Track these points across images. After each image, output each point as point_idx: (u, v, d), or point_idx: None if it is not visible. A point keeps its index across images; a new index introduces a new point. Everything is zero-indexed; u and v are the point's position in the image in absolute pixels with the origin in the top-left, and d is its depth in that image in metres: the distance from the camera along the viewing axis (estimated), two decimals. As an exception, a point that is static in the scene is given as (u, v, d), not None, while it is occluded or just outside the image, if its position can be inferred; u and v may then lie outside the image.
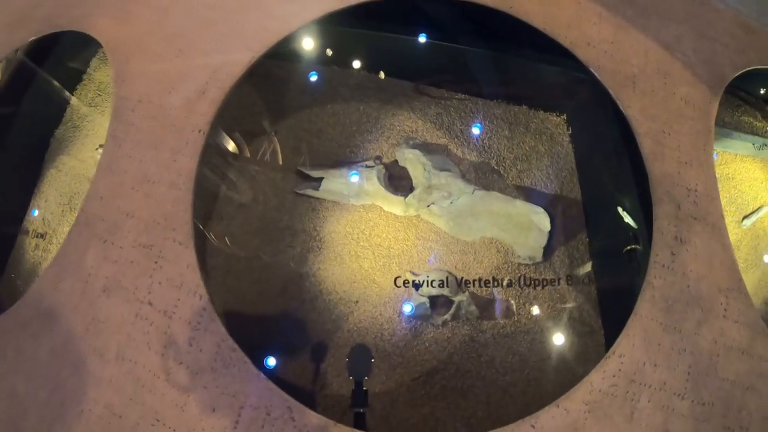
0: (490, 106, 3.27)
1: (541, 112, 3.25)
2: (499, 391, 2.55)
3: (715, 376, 1.89)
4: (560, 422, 1.79)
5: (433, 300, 2.71)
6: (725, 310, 1.97)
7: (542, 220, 2.83)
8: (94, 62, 3.53)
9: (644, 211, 2.23)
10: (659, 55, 2.44)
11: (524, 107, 3.26)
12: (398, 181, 3.02)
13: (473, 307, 2.68)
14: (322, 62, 3.28)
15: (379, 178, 2.93)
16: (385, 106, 3.24)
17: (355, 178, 2.94)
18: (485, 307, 2.73)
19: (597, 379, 1.86)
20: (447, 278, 2.71)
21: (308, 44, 2.91)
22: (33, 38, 2.77)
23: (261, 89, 3.26)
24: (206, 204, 2.93)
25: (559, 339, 2.65)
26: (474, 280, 2.78)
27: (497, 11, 2.48)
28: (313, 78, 3.32)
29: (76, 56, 3.49)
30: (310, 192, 2.98)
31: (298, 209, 2.97)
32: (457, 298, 2.67)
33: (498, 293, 2.77)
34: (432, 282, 2.70)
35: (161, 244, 2.09)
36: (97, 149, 3.20)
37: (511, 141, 3.16)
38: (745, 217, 2.99)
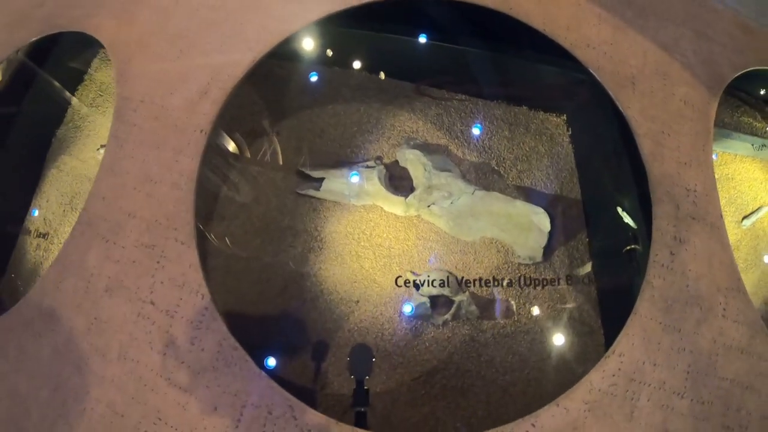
0: (491, 107, 3.28)
1: (541, 112, 3.27)
2: (500, 390, 2.56)
3: (714, 376, 1.90)
4: (560, 421, 1.80)
5: (434, 300, 2.71)
6: (724, 309, 1.98)
7: (542, 221, 2.83)
8: (95, 63, 3.54)
9: (644, 211, 2.23)
10: (658, 56, 2.45)
11: (524, 108, 3.27)
12: (399, 182, 3.03)
13: (473, 307, 2.69)
14: (323, 63, 3.29)
15: (379, 179, 2.93)
16: (386, 107, 3.25)
17: (355, 179, 2.95)
18: (485, 306, 2.74)
19: (597, 378, 1.87)
20: (447, 278, 2.72)
21: (309, 45, 2.91)
22: (34, 39, 2.77)
23: (262, 89, 3.27)
24: (208, 204, 2.94)
25: (559, 339, 2.66)
26: (474, 280, 2.78)
27: (497, 12, 2.49)
28: (315, 78, 3.33)
29: (77, 57, 3.49)
30: (311, 192, 2.99)
31: (299, 209, 2.98)
32: (457, 298, 2.68)
33: (498, 293, 2.78)
34: (432, 282, 2.71)
35: (163, 244, 2.09)
36: (98, 149, 3.21)
37: (512, 141, 3.17)
38: (744, 218, 3.00)
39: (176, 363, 1.92)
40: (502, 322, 2.71)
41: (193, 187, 2.17)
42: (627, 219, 2.57)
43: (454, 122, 3.22)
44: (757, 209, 3.01)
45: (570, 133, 3.19)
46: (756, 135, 3.20)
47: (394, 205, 2.93)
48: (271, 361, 2.40)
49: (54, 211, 3.13)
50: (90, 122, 3.36)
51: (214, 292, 2.02)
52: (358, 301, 2.74)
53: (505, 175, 3.08)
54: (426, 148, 3.06)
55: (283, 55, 2.92)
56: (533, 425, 1.80)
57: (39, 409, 1.98)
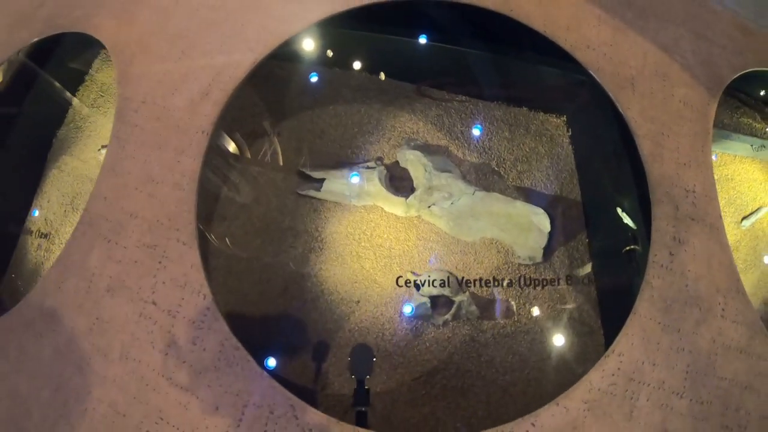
0: (491, 108, 3.29)
1: (541, 113, 3.27)
2: (500, 390, 2.56)
3: (713, 375, 1.90)
4: (560, 420, 1.81)
5: (434, 300, 2.72)
6: (723, 309, 1.99)
7: (542, 221, 2.84)
8: (96, 63, 3.55)
9: (643, 212, 2.24)
10: (658, 57, 2.46)
11: (524, 109, 3.28)
12: (399, 182, 3.03)
13: (474, 307, 2.69)
14: (324, 64, 3.30)
15: (380, 179, 2.94)
16: (387, 108, 3.26)
17: (356, 179, 2.95)
18: (486, 307, 2.75)
19: (596, 377, 1.88)
20: (448, 278, 2.72)
21: (310, 46, 2.92)
22: (35, 39, 2.78)
23: (263, 90, 3.28)
24: (209, 205, 2.95)
25: (558, 339, 2.66)
26: (474, 281, 2.79)
27: (498, 14, 2.50)
28: (315, 79, 3.34)
29: (78, 57, 3.50)
30: (311, 193, 3.00)
31: (299, 210, 2.99)
32: (457, 298, 2.69)
33: (498, 293, 2.78)
34: (433, 282, 2.71)
35: (165, 244, 2.10)
36: (99, 150, 3.22)
37: (512, 142, 3.17)
38: (744, 218, 3.00)
39: (178, 363, 1.93)
40: (502, 322, 2.72)
41: (195, 188, 2.18)
42: (626, 219, 2.58)
43: (454, 123, 3.23)
44: (756, 210, 3.02)
45: (570, 134, 3.20)
46: (755, 136, 3.20)
47: (395, 206, 2.94)
48: (273, 361, 2.40)
49: (55, 212, 3.14)
50: (91, 123, 3.37)
51: (216, 293, 2.03)
52: (358, 302, 2.74)
53: (506, 176, 3.09)
54: (426, 149, 3.07)
55: (283, 55, 2.92)
56: (533, 424, 1.80)
57: (40, 410, 1.98)
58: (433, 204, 2.89)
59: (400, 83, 3.34)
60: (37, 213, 3.16)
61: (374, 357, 2.53)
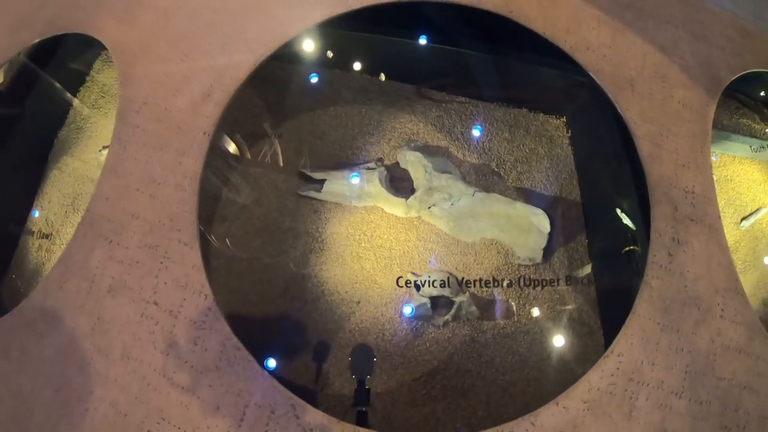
0: (491, 109, 3.30)
1: (541, 114, 3.29)
2: (500, 390, 2.57)
3: (712, 375, 1.91)
4: (559, 420, 1.82)
5: (434, 300, 2.73)
6: (722, 310, 2.00)
7: (542, 222, 2.85)
8: (97, 64, 3.56)
9: (643, 213, 2.24)
10: (657, 59, 2.47)
11: (524, 110, 3.30)
12: (399, 183, 3.04)
13: (474, 308, 2.70)
14: (324, 65, 3.31)
15: (380, 180, 2.95)
16: (387, 109, 3.27)
17: (356, 180, 2.96)
18: (486, 307, 2.75)
19: (596, 377, 1.88)
20: (448, 279, 2.73)
21: (311, 47, 2.93)
22: (36, 40, 2.78)
23: (264, 91, 3.29)
24: (209, 205, 2.95)
25: (558, 339, 2.67)
26: (474, 281, 2.80)
27: (498, 15, 2.51)
28: (316, 81, 3.35)
29: (78, 58, 3.51)
30: (312, 194, 3.01)
31: (300, 211, 2.99)
32: (457, 299, 2.70)
33: (498, 294, 2.79)
34: (433, 283, 2.72)
35: (166, 245, 2.11)
36: (100, 151, 3.23)
37: (512, 143, 3.18)
38: (743, 219, 3.01)
39: (179, 363, 1.93)
40: (502, 322, 2.73)
41: (197, 189, 2.19)
42: (626, 220, 2.59)
43: (454, 124, 3.24)
44: (755, 211, 3.03)
45: (570, 135, 3.21)
46: (754, 137, 3.21)
47: (395, 207, 2.95)
48: (273, 362, 2.41)
49: (56, 212, 3.14)
50: (92, 124, 3.38)
51: (217, 293, 2.04)
52: (359, 302, 2.75)
53: (505, 177, 3.10)
54: (426, 150, 3.08)
55: (284, 57, 2.94)
56: (533, 424, 1.81)
57: (42, 409, 1.98)
58: (434, 205, 2.89)
59: (400, 85, 3.36)
60: (37, 214, 3.17)
61: (375, 357, 2.54)
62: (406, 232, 2.94)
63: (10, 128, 3.19)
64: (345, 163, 3.12)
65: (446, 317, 2.68)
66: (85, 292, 2.10)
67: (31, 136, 3.33)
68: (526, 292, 2.79)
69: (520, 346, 2.68)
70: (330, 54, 3.21)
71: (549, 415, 1.83)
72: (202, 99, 2.37)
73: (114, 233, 2.18)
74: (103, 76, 3.51)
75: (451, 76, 3.27)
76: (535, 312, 2.75)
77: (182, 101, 2.38)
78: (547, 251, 2.86)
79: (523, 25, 2.49)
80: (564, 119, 3.26)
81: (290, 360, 2.60)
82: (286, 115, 3.28)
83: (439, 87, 3.31)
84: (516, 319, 2.74)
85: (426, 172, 2.93)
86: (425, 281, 2.73)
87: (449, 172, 2.97)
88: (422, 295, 2.72)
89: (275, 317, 2.73)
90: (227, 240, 2.92)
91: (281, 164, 3.15)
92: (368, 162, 3.09)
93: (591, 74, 2.42)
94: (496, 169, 3.11)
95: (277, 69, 3.31)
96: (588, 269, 2.84)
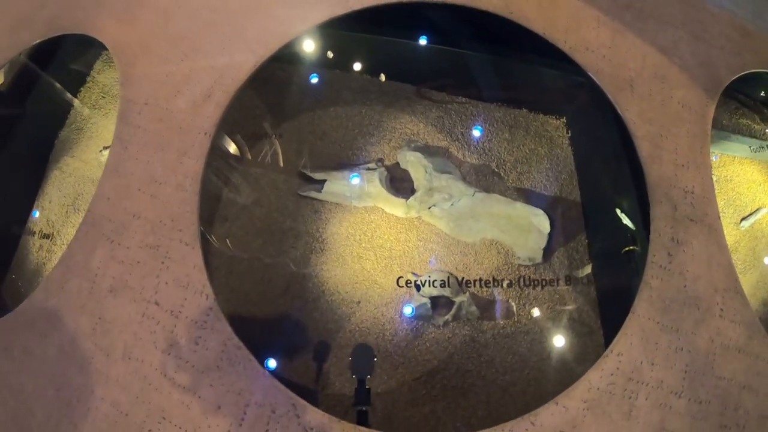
0: (491, 110, 3.30)
1: (541, 115, 3.29)
2: (499, 390, 2.57)
3: (711, 375, 1.91)
4: (559, 419, 1.82)
5: (435, 300, 2.73)
6: (722, 309, 2.00)
7: (542, 222, 2.85)
8: (97, 65, 3.56)
9: (642, 213, 2.25)
10: (656, 59, 2.47)
11: (524, 110, 3.30)
12: (400, 183, 3.05)
13: (474, 308, 2.70)
14: (324, 66, 3.32)
15: (380, 181, 2.96)
16: (387, 110, 3.28)
17: (356, 181, 2.97)
18: (486, 307, 2.76)
19: (595, 377, 1.89)
20: (448, 279, 2.74)
21: (311, 48, 2.94)
22: (37, 41, 2.79)
23: (264, 92, 3.29)
24: (210, 206, 2.96)
25: (558, 339, 2.67)
26: (474, 281, 2.80)
27: (498, 16, 2.51)
28: (316, 81, 3.35)
29: (79, 59, 3.52)
30: (312, 194, 3.01)
31: (300, 211, 3.00)
32: (457, 299, 2.70)
33: (498, 294, 2.80)
34: (433, 283, 2.72)
35: (168, 245, 2.11)
36: (100, 151, 3.24)
37: (512, 144, 3.19)
38: (743, 219, 3.01)
39: (180, 362, 1.94)
40: (502, 322, 2.73)
41: (198, 189, 2.19)
42: (626, 220, 2.59)
43: (454, 125, 3.24)
44: (755, 211, 3.03)
45: (569, 135, 3.22)
46: (754, 137, 3.21)
47: (395, 207, 2.95)
48: (274, 361, 2.41)
49: (57, 213, 3.15)
50: (92, 124, 3.39)
51: (218, 293, 2.04)
52: (359, 302, 2.76)
53: (505, 177, 3.10)
54: (427, 151, 3.08)
55: (284, 57, 2.94)
56: (533, 423, 1.82)
57: (43, 409, 1.99)
58: (434, 205, 2.90)
59: (400, 85, 3.36)
60: (38, 214, 3.17)
61: (375, 357, 2.54)
62: (406, 233, 2.94)
63: (10, 129, 3.20)
64: (345, 163, 3.12)
65: (446, 317, 2.69)
66: (86, 292, 2.11)
67: (31, 136, 3.33)
68: (526, 292, 2.80)
69: (520, 346, 2.68)
70: (330, 54, 3.21)
71: (549, 414, 1.83)
72: (202, 99, 2.37)
73: (115, 233, 2.19)
74: (103, 77, 3.52)
75: (451, 77, 3.28)
76: (535, 312, 2.76)
77: (183, 102, 2.39)
78: (547, 251, 2.87)
79: (522, 26, 2.49)
80: (564, 120, 3.26)
81: (291, 360, 2.61)
82: (286, 116, 3.29)
83: (439, 87, 3.32)
84: (516, 319, 2.74)
85: (426, 172, 2.94)
86: (425, 281, 2.74)
87: (449, 173, 2.97)
88: (422, 295, 2.73)
89: (276, 317, 2.73)
90: (228, 240, 2.92)
91: (282, 165, 3.15)
92: (368, 162, 3.10)
93: (590, 75, 2.42)
94: (496, 170, 3.11)
95: (278, 69, 3.32)
96: (588, 269, 2.84)
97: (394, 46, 3.16)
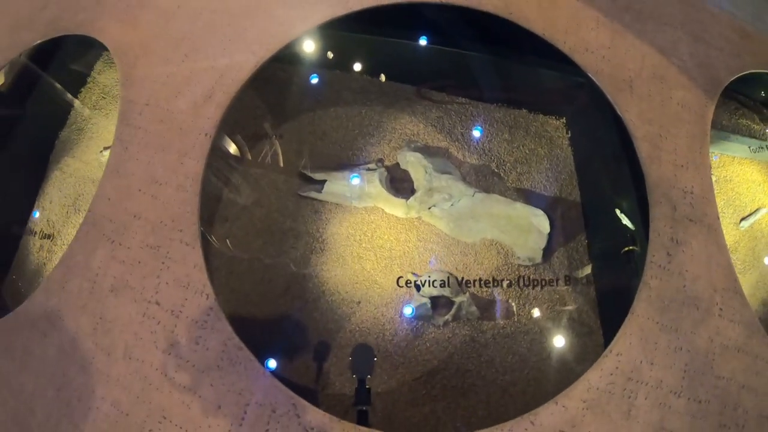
0: (491, 110, 3.31)
1: (541, 115, 3.30)
2: (499, 390, 2.58)
3: (711, 375, 1.92)
4: (559, 419, 1.82)
5: (435, 301, 2.73)
6: (721, 309, 2.00)
7: (542, 222, 2.86)
8: (98, 65, 3.57)
9: (642, 213, 2.25)
10: (655, 60, 2.48)
11: (524, 111, 3.31)
12: (400, 184, 3.05)
13: (474, 308, 2.71)
14: (325, 66, 3.32)
15: (381, 181, 2.96)
16: (387, 110, 3.28)
17: (357, 181, 2.97)
18: (486, 307, 2.76)
19: (595, 377, 1.89)
20: (448, 279, 2.74)
21: (311, 48, 2.94)
22: (38, 41, 2.80)
23: (264, 93, 3.30)
24: (210, 206, 2.96)
25: (558, 339, 2.68)
26: (474, 281, 2.81)
27: (497, 17, 2.52)
28: (316, 81, 3.36)
29: (79, 59, 3.53)
30: (312, 194, 3.02)
31: (300, 211, 3.00)
32: (457, 299, 2.70)
33: (498, 294, 2.80)
34: (433, 283, 2.73)
35: (168, 245, 2.12)
36: (101, 152, 3.24)
37: (511, 144, 3.19)
38: (742, 219, 3.02)
39: (181, 362, 1.94)
40: (502, 322, 2.74)
41: (198, 189, 2.20)
42: (625, 221, 2.59)
43: (454, 125, 3.25)
44: (755, 211, 3.03)
45: (569, 135, 3.22)
46: (753, 137, 3.22)
47: (395, 207, 2.96)
48: (274, 361, 2.42)
49: (57, 213, 3.15)
50: (93, 124, 3.39)
51: (218, 293, 2.05)
52: (359, 302, 2.76)
53: (505, 178, 3.11)
54: (427, 151, 3.09)
55: (284, 58, 2.95)
56: (532, 423, 1.82)
57: (44, 409, 1.99)
58: (434, 205, 2.90)
59: (400, 85, 3.37)
60: (39, 214, 3.18)
61: (375, 357, 2.54)
62: (406, 233, 2.94)
63: (11, 129, 3.20)
64: (345, 163, 3.13)
65: (446, 317, 2.69)
66: (87, 292, 2.12)
67: (32, 137, 3.34)
68: (526, 292, 2.80)
69: (519, 346, 2.68)
70: (330, 55, 3.22)
71: (548, 414, 1.83)
72: (203, 100, 2.38)
73: (116, 233, 2.19)
74: (104, 78, 3.53)
75: (451, 78, 3.28)
76: (535, 312, 2.76)
77: (184, 102, 2.39)
78: (547, 252, 2.87)
79: (522, 27, 2.50)
80: (563, 120, 3.27)
81: (291, 359, 2.61)
82: (286, 116, 3.30)
83: (439, 88, 3.32)
84: (516, 319, 2.74)
85: (426, 172, 2.94)
86: (425, 281, 2.74)
87: (449, 173, 2.98)
88: (422, 295, 2.73)
89: (276, 317, 2.74)
90: (228, 240, 2.93)
91: (282, 165, 3.16)
92: (368, 163, 3.10)
93: (590, 75, 2.43)
94: (496, 170, 3.12)
95: (278, 70, 3.33)
96: (587, 269, 2.84)
97: (394, 46, 3.17)
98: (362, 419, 1.91)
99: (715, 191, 2.24)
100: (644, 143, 2.28)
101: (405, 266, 2.85)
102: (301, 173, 3.10)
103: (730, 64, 2.52)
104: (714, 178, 2.26)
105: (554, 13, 2.54)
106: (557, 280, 2.82)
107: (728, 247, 2.13)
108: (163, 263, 2.10)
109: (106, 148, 3.21)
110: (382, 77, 3.37)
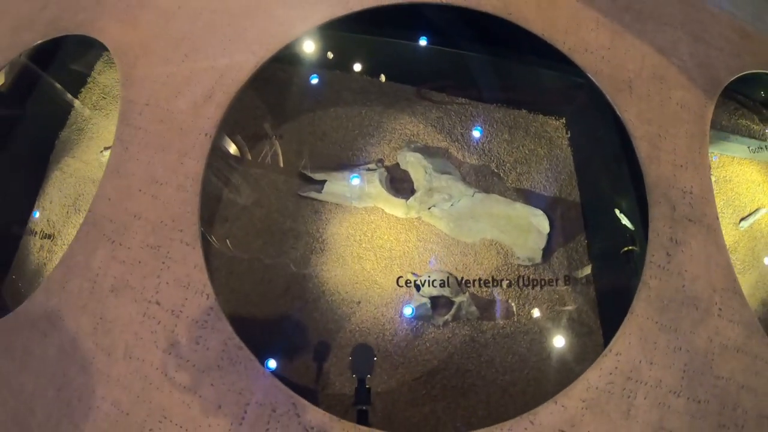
0: (490, 110, 3.31)
1: (540, 116, 3.30)
2: (499, 390, 2.58)
3: (710, 374, 1.92)
4: (558, 418, 1.83)
5: (434, 301, 2.74)
6: (720, 309, 2.01)
7: (541, 222, 2.86)
8: (98, 66, 3.57)
9: (641, 213, 2.25)
10: (655, 60, 2.48)
11: (524, 111, 3.31)
12: (400, 184, 3.06)
13: (473, 308, 2.71)
14: (325, 66, 3.33)
15: (380, 181, 2.96)
16: (387, 110, 3.29)
17: (357, 181, 2.97)
18: (485, 307, 2.77)
19: (594, 376, 1.89)
20: (448, 279, 2.74)
21: (312, 49, 2.94)
22: (38, 42, 2.80)
23: (265, 93, 3.30)
24: (211, 206, 2.97)
25: (558, 339, 2.68)
26: (474, 281, 2.81)
27: (497, 17, 2.52)
28: (316, 82, 3.36)
29: (80, 59, 3.53)
30: (312, 194, 3.02)
31: (300, 211, 3.01)
32: (457, 299, 2.71)
33: (498, 294, 2.80)
34: (433, 283, 2.73)
35: (168, 245, 2.12)
36: (101, 152, 3.24)
37: (511, 144, 3.20)
38: (742, 219, 3.02)
39: (181, 362, 1.94)
40: (501, 322, 2.74)
41: (199, 190, 2.20)
42: (625, 221, 2.60)
43: (454, 125, 3.25)
44: (754, 211, 3.03)
45: (569, 136, 3.23)
46: (753, 137, 3.21)
47: (395, 207, 2.96)
48: (274, 361, 2.42)
49: (57, 213, 3.16)
50: (93, 125, 3.40)
51: (218, 293, 2.05)
52: (359, 302, 2.76)
53: (505, 178, 3.11)
54: (426, 151, 3.09)
55: (285, 58, 2.95)
56: (532, 422, 1.82)
57: (44, 409, 1.99)
58: (434, 205, 2.91)
59: (400, 86, 3.37)
60: (39, 214, 3.18)
61: (375, 357, 2.54)
62: (406, 233, 2.95)
63: (11, 129, 3.20)
64: (345, 164, 3.13)
65: (446, 317, 2.70)
66: (87, 292, 2.12)
67: (32, 137, 3.34)
68: (526, 292, 2.80)
69: (519, 346, 2.69)
70: (330, 55, 3.22)
71: (548, 413, 1.84)
72: (203, 100, 2.38)
73: (116, 233, 2.19)
74: (104, 78, 3.53)
75: (450, 78, 3.28)
76: (535, 312, 2.76)
77: (184, 102, 2.39)
78: (547, 252, 2.88)
79: (522, 27, 2.50)
80: (563, 120, 3.27)
81: (291, 359, 2.61)
82: (286, 117, 3.30)
83: (439, 88, 3.32)
84: (516, 319, 2.75)
85: (426, 173, 2.95)
86: (425, 281, 2.74)
87: (449, 173, 2.98)
88: (422, 295, 2.73)
89: (276, 317, 2.74)
90: (228, 241, 2.93)
91: (282, 165, 3.16)
92: (368, 163, 3.10)
93: (590, 76, 2.43)
94: (495, 170, 3.12)
95: (278, 70, 3.33)
96: (587, 269, 2.85)
97: (394, 47, 3.17)
98: (362, 419, 1.92)
99: (715, 191, 2.24)
100: (643, 143, 2.28)
101: (405, 266, 2.85)
102: (301, 173, 3.10)
103: (729, 64, 2.53)
104: (713, 179, 2.26)
105: (554, 14, 2.54)
106: (557, 280, 2.82)
107: (727, 247, 2.13)
108: (163, 263, 2.10)
109: (106, 148, 3.21)
110: (382, 77, 3.38)
